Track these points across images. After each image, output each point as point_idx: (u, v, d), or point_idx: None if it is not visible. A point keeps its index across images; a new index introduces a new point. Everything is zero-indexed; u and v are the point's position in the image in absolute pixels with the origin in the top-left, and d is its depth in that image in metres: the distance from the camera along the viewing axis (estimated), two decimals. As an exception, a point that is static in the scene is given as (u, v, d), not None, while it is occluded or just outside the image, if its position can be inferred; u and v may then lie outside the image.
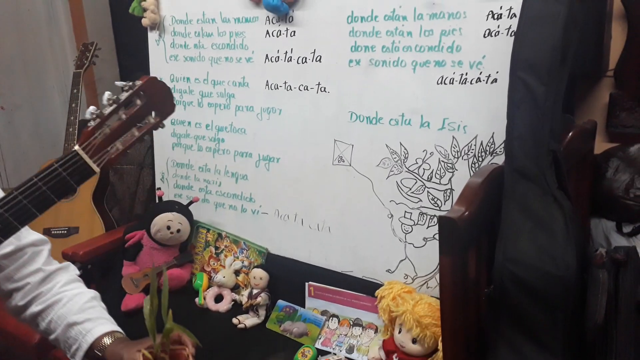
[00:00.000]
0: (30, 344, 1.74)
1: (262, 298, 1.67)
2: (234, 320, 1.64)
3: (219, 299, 1.77)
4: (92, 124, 0.90)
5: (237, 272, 1.81)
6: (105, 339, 1.07)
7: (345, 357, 1.48)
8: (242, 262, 1.81)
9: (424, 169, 1.41)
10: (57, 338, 1.10)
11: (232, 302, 1.75)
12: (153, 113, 0.94)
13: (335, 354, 1.50)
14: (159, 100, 0.94)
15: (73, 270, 1.21)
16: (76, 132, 2.11)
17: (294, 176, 1.67)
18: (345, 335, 1.56)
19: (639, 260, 1.02)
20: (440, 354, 1.29)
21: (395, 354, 1.37)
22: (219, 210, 1.89)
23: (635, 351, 0.90)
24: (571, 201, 0.99)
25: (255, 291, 1.70)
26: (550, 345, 0.88)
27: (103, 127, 0.90)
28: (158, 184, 2.01)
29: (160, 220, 1.77)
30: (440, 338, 1.29)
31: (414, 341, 1.33)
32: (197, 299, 1.75)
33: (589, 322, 0.89)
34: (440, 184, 1.39)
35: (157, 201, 1.88)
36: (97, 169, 0.76)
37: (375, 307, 1.50)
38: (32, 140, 2.62)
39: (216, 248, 1.88)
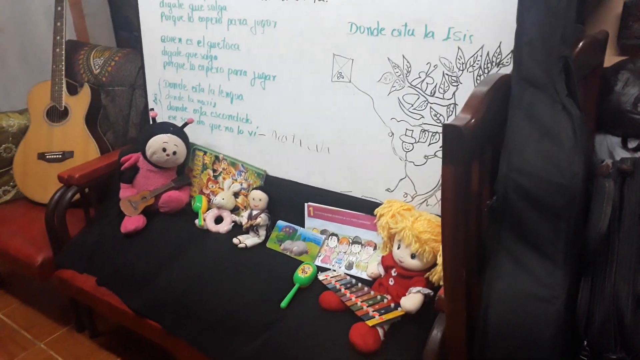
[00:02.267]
0: (34, 266, 1.76)
1: (261, 218, 1.67)
2: (235, 240, 1.65)
3: (218, 220, 1.77)
4: None
5: (236, 194, 1.81)
6: None
7: (345, 273, 1.50)
8: (241, 185, 1.80)
9: (427, 83, 1.36)
10: None
11: (232, 223, 1.76)
12: None
13: (334, 270, 1.52)
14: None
15: None
16: (63, 52, 2.03)
17: (291, 95, 1.61)
18: (345, 252, 1.58)
19: (645, 170, 1.00)
20: (439, 267, 1.30)
21: (394, 269, 1.38)
22: (215, 132, 1.85)
23: (637, 260, 0.90)
24: (580, 109, 0.95)
25: (255, 212, 1.70)
26: (553, 256, 0.88)
27: None
28: (151, 105, 1.95)
29: (155, 142, 1.74)
30: (439, 253, 1.30)
31: (413, 256, 1.33)
32: (197, 221, 1.75)
33: (592, 232, 0.88)
34: (443, 98, 1.34)
35: (151, 123, 1.83)
36: None
37: (374, 225, 1.51)
38: (20, 64, 2.52)
39: (214, 171, 1.86)
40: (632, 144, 1.40)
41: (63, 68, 2.03)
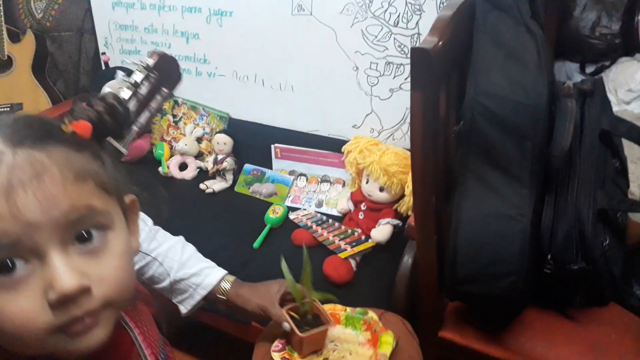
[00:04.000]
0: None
1: (227, 163, 1.65)
2: (202, 186, 1.63)
3: (183, 167, 1.74)
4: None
5: (199, 140, 1.76)
6: (222, 284, 0.99)
7: (315, 211, 1.52)
8: (203, 129, 1.76)
9: (390, 13, 1.33)
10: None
11: (198, 170, 1.73)
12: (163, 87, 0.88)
13: (305, 209, 1.53)
14: (168, 74, 0.92)
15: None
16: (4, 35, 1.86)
17: (249, 31, 1.56)
18: (314, 191, 1.58)
19: (604, 90, 1.02)
20: (407, 198, 1.33)
21: (363, 203, 1.40)
22: (172, 75, 1.78)
23: (596, 175, 0.94)
24: (543, 30, 0.95)
25: (220, 157, 1.67)
26: (519, 176, 0.90)
27: None
28: (102, 49, 1.85)
29: (111, 88, 1.66)
30: (407, 184, 1.33)
31: (381, 189, 1.35)
32: (160, 168, 1.71)
33: (555, 150, 0.90)
34: (407, 28, 1.32)
35: (103, 68, 1.74)
36: (124, 151, 0.67)
37: (342, 162, 1.51)
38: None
39: (174, 116, 1.80)
40: (589, 69, 1.43)
41: (1, 14, 1.88)
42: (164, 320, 0.74)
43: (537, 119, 0.88)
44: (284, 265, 0.96)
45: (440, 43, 0.83)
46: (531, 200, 0.90)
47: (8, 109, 1.89)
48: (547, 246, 0.93)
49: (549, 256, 0.93)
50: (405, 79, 1.38)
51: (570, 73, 1.46)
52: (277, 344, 0.97)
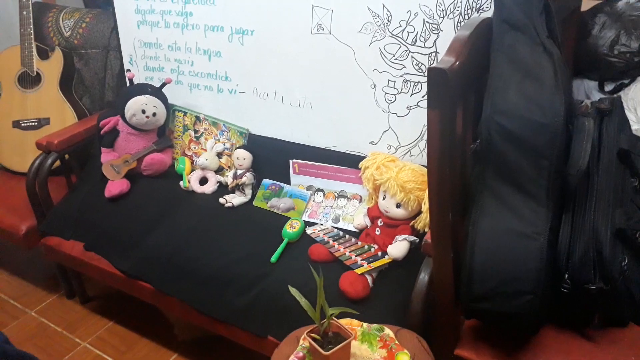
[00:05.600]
0: (18, 235, 1.74)
1: (247, 177, 1.68)
2: (221, 200, 1.66)
3: (203, 181, 1.77)
4: None
5: (219, 155, 1.80)
6: None
7: (332, 227, 1.53)
8: (224, 144, 1.79)
9: (407, 32, 1.35)
10: None
11: (218, 184, 1.76)
12: None
13: (322, 225, 1.54)
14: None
15: None
16: (31, 14, 1.95)
17: (270, 49, 1.59)
18: (331, 207, 1.60)
19: (622, 109, 1.02)
20: (423, 215, 1.33)
21: (380, 219, 1.41)
22: (194, 91, 1.82)
23: (614, 194, 0.93)
24: (561, 50, 0.96)
25: (239, 171, 1.70)
26: (535, 194, 0.90)
27: None
28: (127, 66, 1.91)
29: (134, 104, 1.71)
30: (424, 201, 1.33)
31: (398, 206, 1.36)
32: (181, 183, 1.74)
33: (572, 169, 0.91)
34: (424, 47, 1.34)
35: (128, 85, 1.79)
36: None
37: (359, 178, 1.52)
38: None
39: (195, 131, 1.84)
40: (608, 87, 1.42)
41: (32, 31, 1.95)
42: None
43: (554, 137, 0.88)
44: (295, 292, 0.97)
45: (457, 63, 0.85)
46: (548, 219, 0.91)
47: (36, 123, 1.95)
48: (564, 265, 0.92)
49: (566, 275, 0.93)
50: (423, 96, 1.39)
51: (589, 91, 1.46)
52: (292, 359, 0.98)
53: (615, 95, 1.26)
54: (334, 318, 0.97)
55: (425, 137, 1.41)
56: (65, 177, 1.85)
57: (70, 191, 1.82)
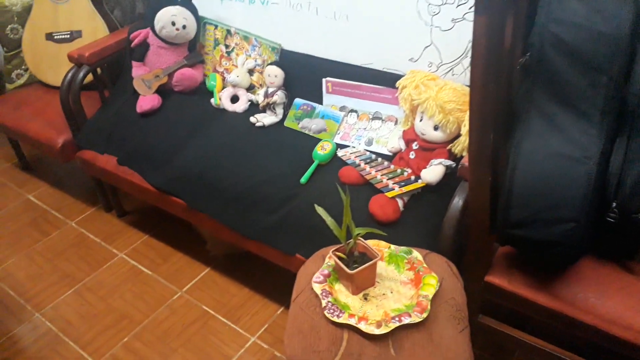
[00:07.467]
0: (55, 148, 1.77)
1: (278, 96, 1.62)
2: (252, 119, 1.62)
3: (234, 99, 1.72)
4: None
5: (250, 72, 1.74)
6: None
7: (364, 149, 1.48)
8: (255, 61, 1.72)
9: None
10: None
11: (249, 102, 1.71)
12: None
13: (354, 147, 1.49)
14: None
15: None
16: None
17: (305, -44, 1.47)
18: (364, 129, 1.54)
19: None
20: (462, 138, 1.26)
21: (415, 142, 1.34)
22: (224, 2, 1.73)
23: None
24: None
25: (271, 90, 1.64)
26: (588, 113, 0.82)
27: None
28: (156, -24, 1.82)
29: (164, 16, 1.64)
30: (464, 123, 1.25)
31: (436, 128, 1.29)
32: (212, 100, 1.70)
33: (633, 87, 0.81)
34: (474, -50, 1.20)
35: (157, -5, 1.72)
36: None
37: (396, 98, 1.44)
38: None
39: (226, 46, 1.77)
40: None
41: (60, -61, 1.88)
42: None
43: (616, 50, 0.78)
44: (321, 211, 0.95)
45: (511, -40, 0.74)
46: (600, 142, 0.83)
47: (68, 36, 1.92)
48: (612, 193, 0.85)
49: (614, 204, 0.86)
50: (470, 8, 1.27)
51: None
52: (318, 275, 0.98)
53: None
54: (360, 238, 0.95)
55: (470, 54, 1.30)
56: (99, 91, 1.84)
57: (103, 105, 1.82)
